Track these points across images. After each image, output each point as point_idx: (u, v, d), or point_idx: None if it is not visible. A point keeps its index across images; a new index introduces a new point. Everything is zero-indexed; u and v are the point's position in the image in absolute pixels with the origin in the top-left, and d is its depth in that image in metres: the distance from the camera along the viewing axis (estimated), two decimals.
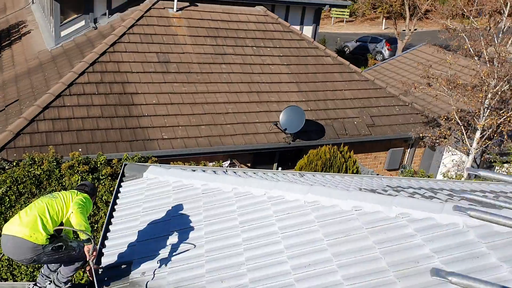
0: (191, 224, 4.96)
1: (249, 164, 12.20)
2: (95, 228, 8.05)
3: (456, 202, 4.71)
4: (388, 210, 4.27)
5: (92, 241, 4.21)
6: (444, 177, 11.59)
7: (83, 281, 7.82)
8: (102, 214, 8.04)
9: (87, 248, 4.23)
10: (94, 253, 4.27)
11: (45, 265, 4.51)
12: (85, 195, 4.48)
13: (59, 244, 4.19)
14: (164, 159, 10.03)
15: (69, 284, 4.52)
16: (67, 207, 4.27)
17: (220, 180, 5.59)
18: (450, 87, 11.52)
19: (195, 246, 4.61)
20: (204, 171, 6.81)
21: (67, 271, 4.46)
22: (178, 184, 5.85)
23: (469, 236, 3.71)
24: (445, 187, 6.63)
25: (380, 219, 4.21)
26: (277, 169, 12.37)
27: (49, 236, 4.06)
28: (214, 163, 10.16)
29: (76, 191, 4.55)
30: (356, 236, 4.12)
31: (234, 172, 7.08)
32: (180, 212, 5.24)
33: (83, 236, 4.20)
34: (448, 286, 3.30)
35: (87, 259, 4.25)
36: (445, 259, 3.55)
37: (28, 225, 3.99)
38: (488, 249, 3.50)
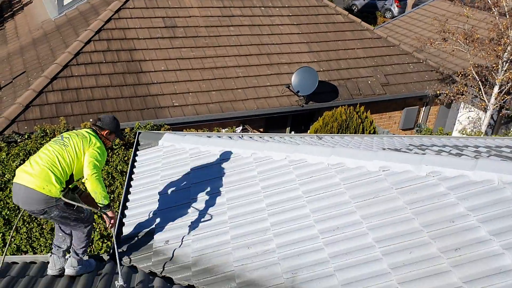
0: (212, 191, 4.85)
1: (261, 129, 12.03)
2: (112, 198, 7.99)
3: (485, 158, 4.53)
4: (417, 169, 4.10)
5: (110, 209, 4.04)
6: (463, 134, 11.34)
7: (102, 251, 7.83)
8: (118, 184, 7.96)
9: (109, 214, 4.03)
10: (112, 221, 4.05)
11: (56, 233, 4.17)
12: (99, 144, 4.02)
13: (72, 197, 4.00)
14: (176, 127, 9.89)
15: (86, 255, 4.24)
16: (78, 157, 3.90)
17: (238, 146, 5.44)
18: (468, 41, 11.12)
19: (212, 217, 4.50)
20: (219, 137, 6.66)
21: (78, 242, 4.12)
22: (195, 151, 5.71)
23: (505, 193, 3.55)
24: (468, 143, 6.43)
25: (409, 179, 4.05)
26: (290, 133, 12.20)
27: (63, 189, 3.82)
28: (227, 129, 10.00)
29: (89, 135, 4.05)
30: (385, 197, 3.97)
31: (250, 137, 6.92)
32: (199, 179, 5.12)
33: (99, 202, 3.94)
34: (488, 245, 3.18)
35: (107, 227, 4.12)
36: (481, 217, 3.40)
37: (40, 176, 3.74)
38: None
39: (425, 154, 4.54)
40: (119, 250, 4.41)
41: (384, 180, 4.15)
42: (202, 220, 4.48)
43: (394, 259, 3.38)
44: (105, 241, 7.90)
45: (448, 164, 3.99)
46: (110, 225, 4.05)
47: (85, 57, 10.23)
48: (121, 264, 4.28)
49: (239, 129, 10.98)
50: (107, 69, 10.20)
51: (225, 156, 5.37)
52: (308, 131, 12.11)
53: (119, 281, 3.64)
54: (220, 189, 4.84)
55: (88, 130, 4.13)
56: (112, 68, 10.25)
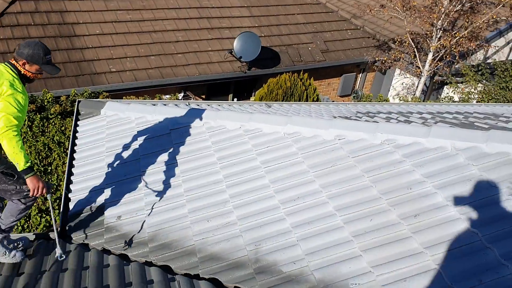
0: (164, 163, 4.66)
1: (203, 96, 11.79)
2: (49, 170, 7.55)
3: (437, 125, 4.68)
4: (372, 137, 4.16)
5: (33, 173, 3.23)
6: (400, 100, 11.76)
7: (41, 227, 7.43)
8: (56, 156, 7.52)
9: (30, 182, 3.21)
10: (40, 186, 3.25)
11: None
12: (19, 85, 3.21)
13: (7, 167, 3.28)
14: (114, 94, 9.44)
15: (7, 234, 3.57)
16: None
17: (188, 115, 5.25)
18: (405, 9, 11.38)
19: (166, 190, 4.34)
20: (165, 105, 6.41)
21: (8, 215, 3.50)
22: (142, 120, 5.45)
23: (458, 159, 3.68)
24: (410, 110, 6.65)
25: (365, 147, 4.11)
26: (233, 100, 12.06)
27: None
28: (169, 96, 9.68)
29: (5, 71, 3.23)
30: (342, 165, 4.00)
31: (198, 105, 6.73)
32: (149, 150, 4.90)
33: (19, 168, 3.13)
34: (444, 211, 3.29)
35: (32, 195, 3.27)
36: (438, 184, 3.51)
37: None
38: (479, 171, 3.49)
39: (377, 122, 4.61)
40: (66, 227, 4.16)
41: (340, 149, 4.18)
42: (155, 193, 4.31)
43: (355, 226, 3.42)
44: (44, 215, 7.49)
45: (402, 132, 4.07)
46: (39, 192, 3.26)
47: (11, 18, 9.40)
48: (62, 237, 4.05)
49: (180, 95, 10.68)
50: (37, 32, 9.46)
51: (175, 126, 5.17)
52: (252, 98, 12.03)
53: (57, 251, 3.48)
54: (173, 160, 4.67)
55: (3, 64, 3.31)
56: (42, 31, 9.52)
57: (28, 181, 3.21)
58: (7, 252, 3.51)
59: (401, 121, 5.22)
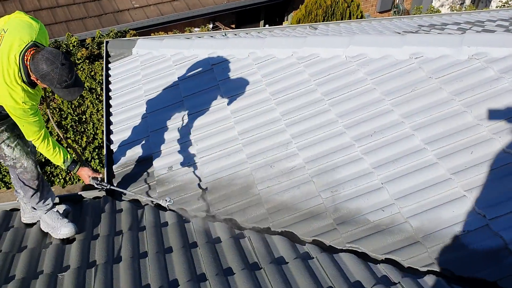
0: (210, 104, 4.13)
1: (233, 26, 11.01)
2: (84, 119, 7.17)
3: None
4: (457, 52, 3.48)
5: (79, 163, 3.12)
6: (453, 10, 10.65)
7: (81, 181, 7.17)
8: (88, 104, 7.10)
9: (79, 174, 3.18)
10: (91, 174, 3.18)
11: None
12: (21, 94, 2.60)
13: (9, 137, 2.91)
14: (141, 32, 8.81)
15: (48, 205, 3.20)
16: None
17: (230, 46, 4.63)
18: None
19: (217, 134, 3.84)
20: (200, 37, 5.78)
21: (27, 194, 3.12)
22: (179, 57, 4.87)
23: None
24: (480, 19, 5.79)
25: (449, 65, 3.44)
26: (264, 26, 11.22)
27: None
28: (199, 28, 8.98)
29: (12, 71, 2.57)
30: (424, 89, 3.37)
31: (235, 35, 6.06)
32: (191, 90, 4.37)
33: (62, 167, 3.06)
34: None
35: (87, 183, 3.23)
36: None
37: None
38: None
39: (460, 33, 3.89)
40: (114, 184, 3.77)
41: (418, 69, 3.53)
42: (206, 139, 3.82)
43: (453, 162, 2.87)
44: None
45: (495, 42, 3.37)
46: (93, 178, 3.20)
47: None
48: (109, 193, 3.67)
49: (210, 26, 9.95)
50: None
51: (217, 60, 4.58)
52: (285, 23, 11.17)
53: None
54: (220, 100, 4.13)
55: (16, 57, 2.57)
56: None
57: (80, 170, 3.17)
58: (57, 226, 3.15)
59: (479, 31, 4.46)
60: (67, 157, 3.02)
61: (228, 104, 4.04)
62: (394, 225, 2.72)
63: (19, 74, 2.58)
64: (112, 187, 3.36)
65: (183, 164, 3.70)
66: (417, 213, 2.71)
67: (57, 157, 2.97)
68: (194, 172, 3.60)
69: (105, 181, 3.68)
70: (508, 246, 2.41)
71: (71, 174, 3.15)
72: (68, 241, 3.11)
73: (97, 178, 3.21)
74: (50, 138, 2.89)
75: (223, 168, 3.53)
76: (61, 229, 3.12)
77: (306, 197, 3.07)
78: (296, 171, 3.26)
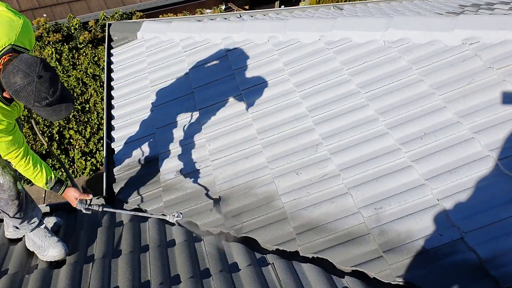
0: (225, 96, 3.59)
1: (246, 7, 10.39)
2: (87, 108, 6.67)
3: None
4: None
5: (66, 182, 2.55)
6: None
7: (87, 171, 6.71)
8: (92, 92, 6.59)
9: (67, 194, 2.54)
10: (77, 196, 2.54)
11: None
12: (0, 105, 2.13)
13: None
14: (149, 14, 8.25)
15: (33, 223, 2.67)
16: None
17: (247, 29, 4.05)
18: None
19: (233, 133, 3.30)
20: (212, 19, 5.21)
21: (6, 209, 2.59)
22: (189, 42, 4.31)
23: None
24: None
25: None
26: (280, 7, 10.57)
27: None
28: (211, 10, 8.38)
29: None
30: (483, 82, 2.79)
31: (251, 16, 5.48)
32: (203, 80, 3.82)
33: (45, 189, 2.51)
34: None
35: (77, 207, 2.57)
36: None
37: None
38: None
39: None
40: (115, 190, 3.27)
41: (475, 58, 2.94)
42: (220, 138, 3.29)
43: None
44: (89, 158, 6.75)
45: None
46: (85, 199, 2.56)
47: None
48: (109, 200, 3.19)
49: (223, 7, 9.34)
50: None
51: (232, 45, 4.01)
52: (302, 3, 10.52)
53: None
54: (235, 91, 3.58)
55: None
56: None
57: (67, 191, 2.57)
58: (44, 246, 2.64)
59: None
60: (51, 176, 2.45)
61: (245, 97, 3.48)
62: (457, 254, 2.17)
63: None
64: (105, 209, 2.63)
65: (193, 167, 3.17)
66: (486, 240, 2.16)
67: (38, 177, 2.41)
68: (206, 177, 3.08)
69: (101, 199, 3.16)
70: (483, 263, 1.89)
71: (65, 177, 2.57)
72: (57, 264, 2.62)
73: (85, 201, 2.55)
74: (30, 156, 2.34)
75: (240, 173, 3.00)
76: (49, 249, 2.62)
77: (342, 214, 2.53)
78: (328, 180, 2.72)
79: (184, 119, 3.56)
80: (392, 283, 2.18)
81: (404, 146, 2.68)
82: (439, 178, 2.45)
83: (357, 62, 3.29)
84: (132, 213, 2.70)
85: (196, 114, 3.55)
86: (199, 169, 3.16)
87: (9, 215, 2.56)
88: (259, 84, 3.53)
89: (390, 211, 2.44)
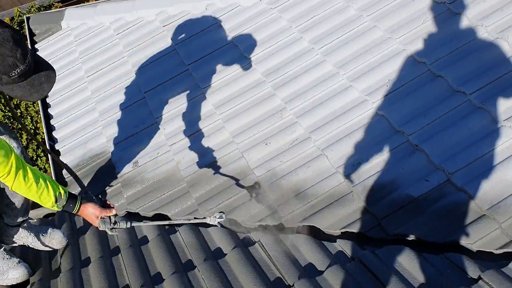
0: (171, 74, 3.33)
1: None
2: (19, 114, 6.14)
3: None
4: None
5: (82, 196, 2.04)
6: None
7: None
8: None
9: (85, 212, 2.01)
10: (99, 213, 2.00)
11: None
12: None
13: None
14: (69, 3, 7.67)
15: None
16: None
17: (182, 0, 3.77)
18: None
19: (186, 112, 3.08)
20: None
21: None
22: (120, 24, 3.99)
23: None
24: None
25: None
26: None
27: None
28: None
29: None
30: (433, 18, 2.71)
31: None
32: (143, 62, 3.54)
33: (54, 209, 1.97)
34: None
35: (100, 228, 2.04)
36: None
37: None
38: None
39: None
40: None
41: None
42: (173, 119, 3.05)
43: None
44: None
45: None
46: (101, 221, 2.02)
47: None
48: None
49: None
50: None
51: (168, 20, 3.73)
52: None
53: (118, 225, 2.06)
54: (182, 67, 3.33)
55: None
56: None
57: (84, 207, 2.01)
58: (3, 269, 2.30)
59: None
60: (59, 192, 1.89)
61: (194, 71, 3.25)
62: (447, 197, 2.10)
63: None
64: (134, 224, 2.10)
65: (151, 156, 2.93)
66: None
67: (44, 196, 1.85)
68: (166, 164, 2.85)
69: (124, 217, 2.59)
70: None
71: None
72: (19, 286, 2.33)
73: (109, 218, 2.02)
74: (28, 168, 1.80)
75: (204, 154, 2.79)
76: (9, 272, 2.32)
77: (320, 177, 2.40)
78: (300, 145, 2.57)
79: (131, 105, 3.28)
80: (387, 238, 2.08)
81: (370, 96, 2.57)
82: (413, 123, 2.37)
83: (304, 18, 3.13)
84: (166, 222, 2.24)
85: (139, 99, 3.28)
86: (157, 157, 2.92)
87: None
88: (206, 56, 3.30)
89: (370, 165, 2.33)
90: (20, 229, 2.32)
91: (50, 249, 2.41)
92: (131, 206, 2.73)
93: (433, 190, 2.13)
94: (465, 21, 2.62)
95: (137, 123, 3.15)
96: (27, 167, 1.80)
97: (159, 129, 3.05)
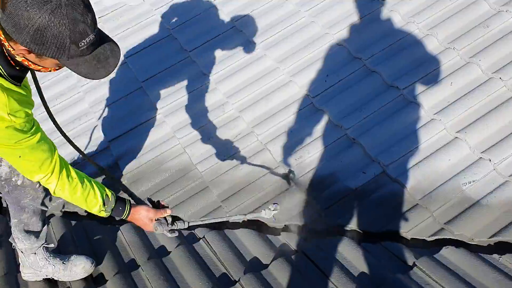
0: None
1: None
2: None
3: None
4: None
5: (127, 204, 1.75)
6: None
7: None
8: None
9: (136, 216, 1.76)
10: (153, 215, 1.76)
11: None
12: (9, 86, 1.34)
13: None
14: None
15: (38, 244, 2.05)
16: None
17: None
18: None
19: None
20: None
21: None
22: (98, 9, 3.76)
23: None
24: None
25: None
26: None
27: None
28: None
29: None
30: (372, 13, 2.81)
31: None
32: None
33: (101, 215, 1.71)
34: None
35: (150, 231, 1.83)
36: None
37: None
38: None
39: None
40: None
41: None
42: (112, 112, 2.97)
43: None
44: None
45: None
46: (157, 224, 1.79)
47: None
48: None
49: None
50: None
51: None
52: None
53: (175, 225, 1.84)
54: None
55: None
56: None
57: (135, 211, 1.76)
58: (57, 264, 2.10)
59: None
60: (106, 194, 1.67)
61: (131, 64, 3.17)
62: (382, 187, 2.21)
63: None
64: (192, 223, 1.87)
65: (89, 152, 2.84)
66: None
67: (91, 198, 1.62)
68: (106, 159, 2.78)
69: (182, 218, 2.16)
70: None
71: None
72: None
73: (165, 220, 1.81)
74: (71, 168, 1.60)
75: (145, 149, 2.75)
76: (72, 267, 2.11)
77: (264, 170, 2.44)
78: (243, 139, 2.60)
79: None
80: (328, 229, 2.16)
81: (310, 91, 2.64)
82: (351, 117, 2.46)
83: (243, 12, 3.14)
84: (224, 219, 1.96)
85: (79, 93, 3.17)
86: (97, 153, 2.84)
87: (33, 235, 1.95)
88: (144, 49, 3.23)
89: (310, 159, 2.40)
90: (38, 259, 2.06)
91: (76, 279, 2.14)
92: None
93: (370, 181, 2.23)
94: (398, 18, 2.74)
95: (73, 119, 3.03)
96: (68, 166, 1.58)
97: (97, 124, 2.95)
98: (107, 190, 1.68)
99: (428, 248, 1.91)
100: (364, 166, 2.29)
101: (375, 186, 2.21)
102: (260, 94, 2.74)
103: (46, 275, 2.12)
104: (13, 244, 2.05)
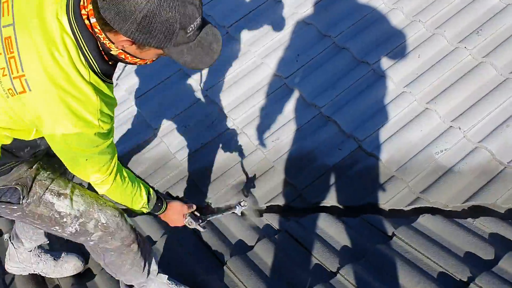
0: None
1: None
2: None
3: None
4: None
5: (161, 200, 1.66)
6: None
7: None
8: None
9: (170, 212, 1.70)
10: (186, 210, 1.73)
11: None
12: (103, 86, 1.23)
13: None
14: None
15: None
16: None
17: None
18: None
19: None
20: None
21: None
22: None
23: None
24: None
25: None
26: None
27: None
28: None
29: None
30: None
31: None
32: None
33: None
34: None
35: (181, 225, 1.78)
36: None
37: None
38: None
39: None
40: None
41: None
42: None
43: None
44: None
45: None
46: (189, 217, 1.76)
47: None
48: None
49: None
50: None
51: None
52: None
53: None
54: None
55: (61, 20, 1.15)
56: None
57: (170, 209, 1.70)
58: None
59: None
60: (149, 189, 1.59)
61: None
62: (359, 163, 2.26)
63: (82, 58, 1.17)
64: (209, 218, 1.88)
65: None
66: None
67: (137, 196, 1.53)
68: None
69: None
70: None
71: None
72: None
73: (196, 215, 1.79)
74: (123, 168, 1.49)
75: (121, 140, 2.74)
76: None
77: (243, 155, 2.47)
78: (220, 125, 2.61)
79: None
80: (309, 207, 2.21)
81: (282, 72, 2.66)
82: (324, 95, 2.49)
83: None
84: (234, 211, 1.94)
85: None
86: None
87: (125, 271, 1.73)
88: None
89: (287, 139, 2.44)
90: (31, 254, 2.03)
91: (65, 276, 2.12)
92: None
93: (346, 157, 2.28)
94: None
95: None
96: (122, 167, 1.47)
97: None
98: (150, 188, 1.61)
99: (406, 217, 1.98)
100: (340, 142, 2.34)
101: (352, 162, 2.27)
102: (233, 78, 2.75)
103: (34, 271, 2.11)
104: (9, 240, 2.03)
